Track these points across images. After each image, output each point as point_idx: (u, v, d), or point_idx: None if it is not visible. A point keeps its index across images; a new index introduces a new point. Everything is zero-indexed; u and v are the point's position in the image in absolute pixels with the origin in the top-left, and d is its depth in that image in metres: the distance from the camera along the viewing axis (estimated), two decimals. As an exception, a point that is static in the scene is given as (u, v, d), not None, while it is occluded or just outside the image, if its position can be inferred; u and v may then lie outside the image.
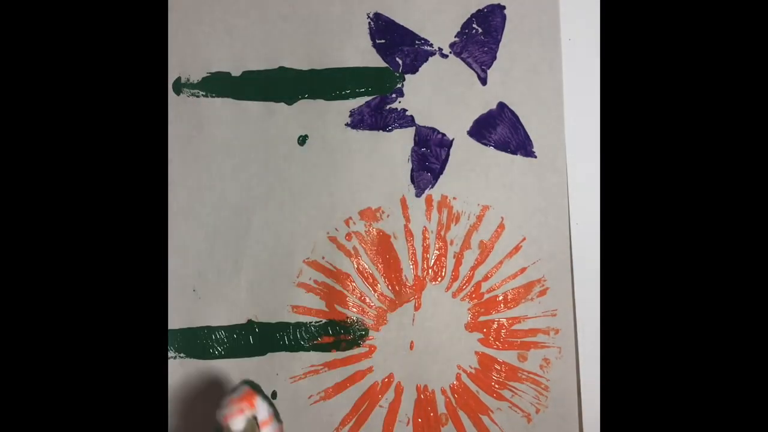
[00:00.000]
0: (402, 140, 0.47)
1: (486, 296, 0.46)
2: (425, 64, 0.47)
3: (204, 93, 0.47)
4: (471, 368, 0.46)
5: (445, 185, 0.47)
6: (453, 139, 0.47)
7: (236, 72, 0.47)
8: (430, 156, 0.47)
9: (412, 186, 0.47)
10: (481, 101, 0.47)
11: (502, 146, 0.47)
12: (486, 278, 0.46)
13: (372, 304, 0.46)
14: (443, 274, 0.46)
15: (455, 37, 0.47)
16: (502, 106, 0.47)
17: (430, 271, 0.46)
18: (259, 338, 0.46)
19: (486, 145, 0.47)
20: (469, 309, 0.46)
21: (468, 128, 0.47)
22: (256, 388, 0.40)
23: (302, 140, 0.47)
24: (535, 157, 0.47)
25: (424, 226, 0.47)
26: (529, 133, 0.47)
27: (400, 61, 0.47)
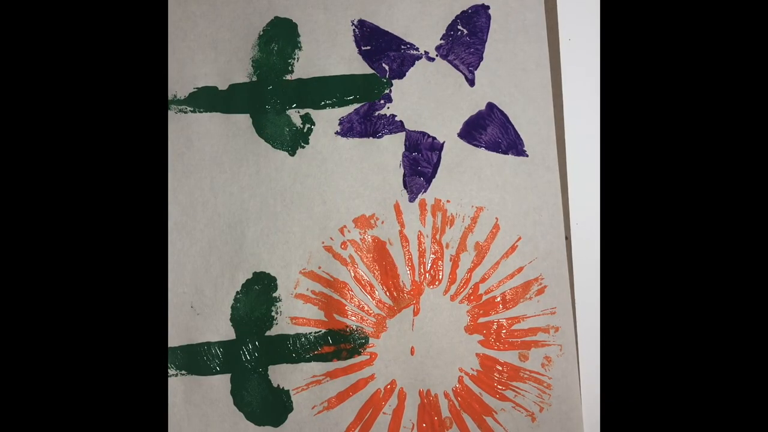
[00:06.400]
0: (392, 146, 0.47)
1: (484, 297, 0.46)
2: (412, 68, 0.47)
3: (192, 108, 0.47)
4: (473, 370, 0.46)
5: (438, 189, 0.47)
6: (444, 142, 0.47)
7: (223, 85, 0.47)
8: (421, 160, 0.47)
9: (405, 191, 0.47)
10: (470, 102, 0.47)
11: (493, 147, 0.47)
12: (483, 280, 0.46)
13: (371, 312, 0.46)
14: (440, 277, 0.46)
15: (441, 39, 0.47)
16: (491, 106, 0.47)
17: (427, 275, 0.46)
18: (259, 351, 0.46)
19: (477, 146, 0.47)
20: (468, 311, 0.46)
21: (458, 130, 0.47)
22: None
23: (293, 150, 0.47)
24: (527, 155, 0.47)
25: (419, 231, 0.47)
26: (519, 132, 0.47)
27: (387, 67, 0.47)
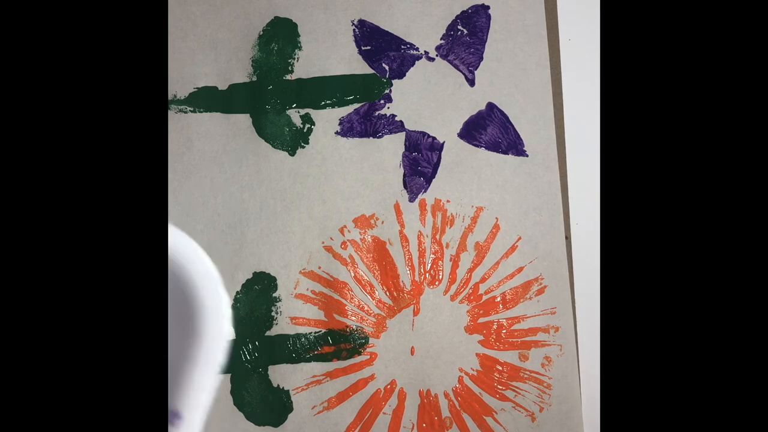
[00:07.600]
0: (392, 146, 0.47)
1: (484, 297, 0.46)
2: (412, 68, 0.47)
3: (192, 108, 0.47)
4: (473, 370, 0.46)
5: (438, 189, 0.47)
6: (444, 142, 0.47)
7: (223, 85, 0.47)
8: (421, 160, 0.47)
9: (405, 191, 0.47)
10: (470, 102, 0.47)
11: (493, 147, 0.47)
12: (483, 280, 0.46)
13: (371, 312, 0.46)
14: (440, 277, 0.46)
15: (441, 39, 0.47)
16: (491, 106, 0.47)
17: (427, 275, 0.46)
18: (259, 351, 0.46)
19: (477, 146, 0.47)
20: (468, 311, 0.46)
21: (458, 130, 0.47)
22: None
23: (293, 150, 0.47)
24: (527, 155, 0.47)
25: (419, 231, 0.47)
26: (519, 132, 0.47)
27: (387, 67, 0.47)
